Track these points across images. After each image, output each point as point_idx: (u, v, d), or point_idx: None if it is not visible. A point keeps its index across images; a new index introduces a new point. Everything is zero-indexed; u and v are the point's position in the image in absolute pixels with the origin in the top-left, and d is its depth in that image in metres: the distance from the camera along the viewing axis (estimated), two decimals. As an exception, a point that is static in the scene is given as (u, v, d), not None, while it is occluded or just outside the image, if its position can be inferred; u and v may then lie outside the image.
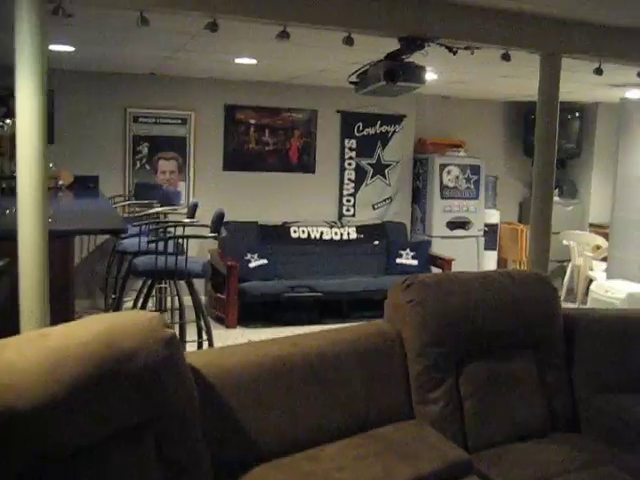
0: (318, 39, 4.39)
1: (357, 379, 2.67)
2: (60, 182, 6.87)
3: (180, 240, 4.81)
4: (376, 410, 2.67)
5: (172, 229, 4.71)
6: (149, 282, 4.39)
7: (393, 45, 3.90)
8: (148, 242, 4.22)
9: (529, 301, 3.04)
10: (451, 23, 3.71)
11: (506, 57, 4.06)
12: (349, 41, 3.62)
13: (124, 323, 2.15)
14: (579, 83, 6.50)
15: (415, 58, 3.86)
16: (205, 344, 4.60)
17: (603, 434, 2.94)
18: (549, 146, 4.18)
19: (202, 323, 4.56)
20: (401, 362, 2.81)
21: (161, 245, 4.31)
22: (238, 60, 5.78)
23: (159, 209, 5.68)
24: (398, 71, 3.68)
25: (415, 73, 3.82)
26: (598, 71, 4.44)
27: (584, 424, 3.03)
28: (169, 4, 3.18)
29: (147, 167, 7.41)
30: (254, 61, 5.81)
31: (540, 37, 3.98)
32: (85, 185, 6.99)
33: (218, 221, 4.38)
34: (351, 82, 4.22)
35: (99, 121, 7.18)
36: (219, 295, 7.01)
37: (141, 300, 4.41)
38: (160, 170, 7.45)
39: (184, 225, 4.67)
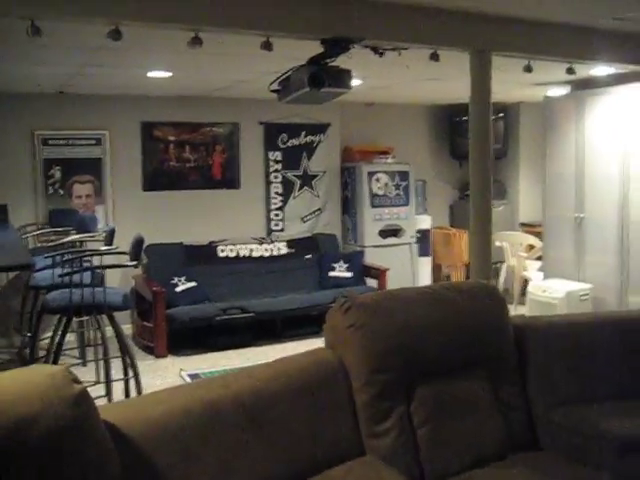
0: (235, 46, 4.12)
1: (298, 418, 2.39)
2: (-36, 213, 6.37)
3: (98, 270, 4.44)
4: (322, 450, 2.40)
5: (88, 259, 4.33)
6: (65, 319, 4.00)
7: (316, 50, 3.66)
8: (60, 275, 3.83)
9: (477, 315, 2.83)
10: (376, 22, 3.49)
11: (435, 57, 3.87)
12: (267, 46, 3.35)
13: (21, 383, 1.82)
14: (504, 83, 6.41)
15: (340, 62, 3.62)
16: (132, 382, 4.23)
17: (565, 450, 2.75)
18: (484, 145, 4.02)
19: (127, 358, 4.19)
20: (346, 393, 2.55)
21: (77, 277, 3.94)
22: (151, 74, 5.45)
23: (74, 237, 5.27)
24: (322, 76, 3.43)
25: (341, 78, 3.58)
26: (528, 69, 4.31)
27: (544, 441, 2.83)
28: (63, 11, 2.84)
29: (61, 192, 6.95)
30: (169, 74, 5.49)
31: (469, 34, 3.82)
32: (-8, 215, 6.51)
33: (137, 247, 4.04)
34: (273, 90, 3.95)
35: (4, 146, 6.69)
36: (146, 323, 6.61)
37: (57, 339, 4.02)
38: (75, 194, 7.01)
39: (101, 254, 4.30)
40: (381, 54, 3.66)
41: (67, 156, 6.92)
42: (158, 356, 6.36)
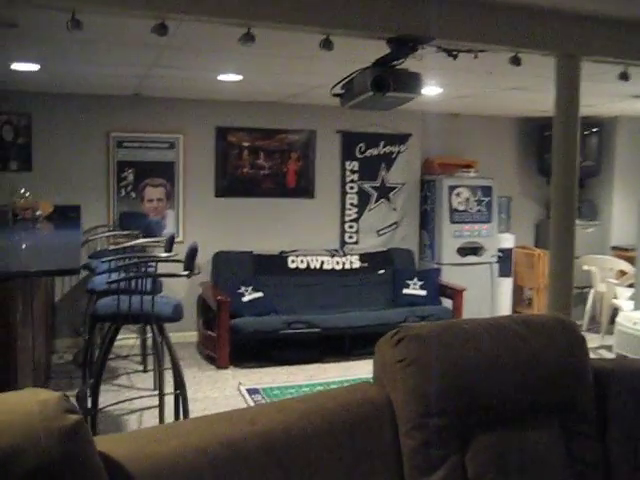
0: (297, 46, 3.88)
1: (334, 463, 2.09)
2: (38, 213, 6.39)
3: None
4: (359, 503, 2.09)
5: (151, 264, 4.16)
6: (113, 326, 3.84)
7: (385, 51, 3.36)
8: (107, 282, 3.68)
9: (550, 354, 2.46)
10: (449, 21, 3.16)
11: (515, 61, 3.50)
12: (327, 44, 3.08)
13: (6, 411, 1.60)
14: (598, 95, 5.94)
15: (409, 64, 3.32)
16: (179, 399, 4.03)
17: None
18: (569, 162, 3.62)
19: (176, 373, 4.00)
20: (391, 437, 2.23)
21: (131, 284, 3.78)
22: (222, 77, 5.28)
23: (138, 241, 5.15)
24: (387, 79, 3.13)
25: (408, 81, 3.26)
26: (623, 76, 3.88)
27: (623, 507, 2.43)
28: (102, 2, 2.65)
29: (133, 195, 6.90)
30: (239, 77, 5.31)
31: (555, 36, 3.43)
32: (65, 215, 6.52)
33: (191, 257, 3.85)
34: (335, 94, 3.67)
35: (80, 147, 6.70)
36: (210, 333, 6.45)
37: (104, 347, 3.86)
38: (147, 198, 6.95)
39: (156, 260, 4.13)
40: (455, 56, 3.33)
41: (140, 159, 6.87)
42: (219, 367, 6.18)
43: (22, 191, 6.38)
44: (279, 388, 5.61)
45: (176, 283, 6.99)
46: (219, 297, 6.22)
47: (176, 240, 6.92)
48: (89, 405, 3.87)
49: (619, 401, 2.55)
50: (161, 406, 4.52)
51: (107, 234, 6.32)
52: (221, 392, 5.56)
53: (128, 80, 5.60)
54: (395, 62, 3.24)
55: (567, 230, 3.85)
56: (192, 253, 3.85)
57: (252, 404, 5.22)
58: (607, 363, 2.73)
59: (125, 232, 6.23)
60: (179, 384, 3.94)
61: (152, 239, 5.17)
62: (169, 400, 4.54)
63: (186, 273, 3.84)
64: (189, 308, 7.12)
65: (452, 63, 3.49)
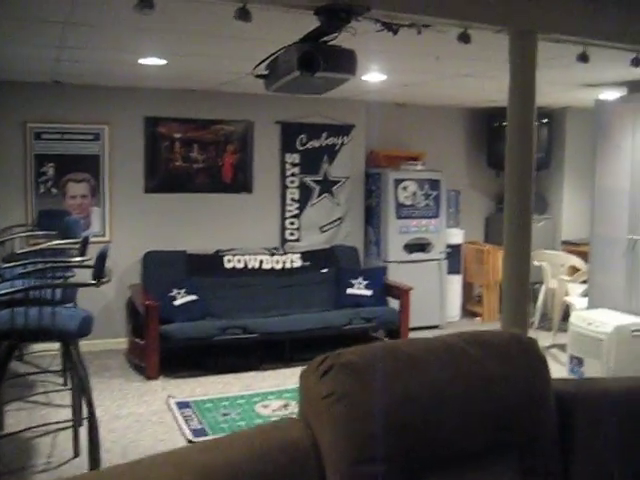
0: (215, 21, 3.43)
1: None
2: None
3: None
4: None
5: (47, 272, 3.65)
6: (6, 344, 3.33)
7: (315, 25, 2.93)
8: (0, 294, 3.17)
9: (508, 380, 2.07)
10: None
11: (464, 38, 3.10)
12: (244, 15, 2.62)
13: None
14: (550, 83, 5.62)
15: (343, 42, 2.89)
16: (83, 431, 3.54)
17: None
18: (525, 152, 3.26)
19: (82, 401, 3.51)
20: (317, 490, 1.82)
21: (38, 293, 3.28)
22: (143, 61, 4.78)
23: (48, 244, 4.62)
24: (316, 57, 2.69)
25: (341, 59, 2.81)
26: (582, 58, 3.52)
27: None
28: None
29: (54, 191, 6.33)
30: (163, 61, 4.81)
31: (509, 9, 3.05)
32: (-24, 214, 5.93)
33: (100, 263, 3.36)
34: (258, 75, 3.22)
35: (-6, 138, 6.11)
36: (138, 340, 5.95)
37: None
38: (69, 194, 6.39)
39: (61, 266, 3.63)
40: (395, 31, 2.91)
41: (62, 152, 6.30)
42: (149, 377, 5.69)
43: None
44: (212, 400, 5.15)
45: (105, 286, 6.45)
46: (147, 302, 5.72)
47: (102, 240, 6.44)
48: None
49: (584, 432, 2.19)
50: (75, 434, 4.04)
51: (22, 235, 5.74)
52: (148, 407, 5.07)
53: (41, 64, 5.06)
54: (326, 38, 2.81)
55: (523, 226, 3.50)
56: (102, 258, 3.36)
57: (181, 419, 4.75)
58: (569, 386, 2.36)
59: (43, 232, 5.70)
60: (89, 409, 3.44)
61: (66, 241, 4.63)
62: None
63: (94, 282, 3.35)
64: (118, 312, 6.61)
65: (395, 45, 3.09)
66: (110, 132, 6.43)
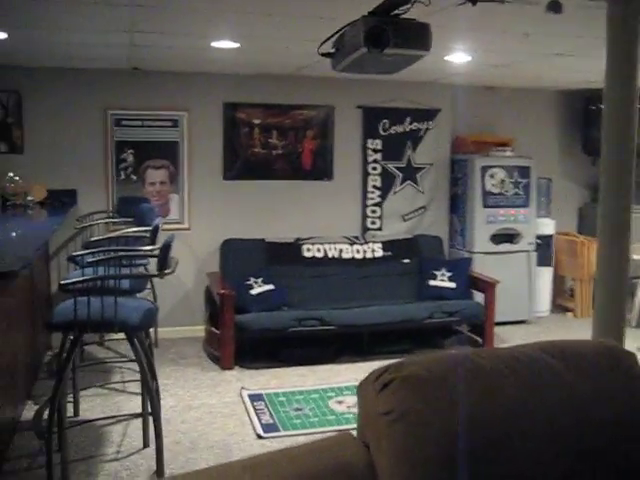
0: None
1: None
2: (29, 198, 5.88)
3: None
4: None
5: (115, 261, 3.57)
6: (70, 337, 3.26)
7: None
8: (60, 285, 3.10)
9: (598, 402, 1.80)
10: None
11: (554, 7, 2.77)
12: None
13: None
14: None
15: (417, 14, 2.63)
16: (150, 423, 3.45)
17: None
18: (624, 135, 2.92)
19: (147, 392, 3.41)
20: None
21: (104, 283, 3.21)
22: (215, 44, 4.64)
23: (119, 232, 4.57)
24: (384, 31, 2.45)
25: (412, 34, 2.54)
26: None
27: None
28: None
29: (134, 177, 6.33)
30: (236, 44, 4.66)
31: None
32: (60, 201, 5.99)
33: (164, 254, 3.24)
34: (324, 54, 2.99)
35: (75, 126, 6.15)
36: (214, 330, 5.88)
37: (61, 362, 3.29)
38: (148, 181, 6.38)
39: (130, 256, 3.54)
40: (474, 2, 2.62)
41: (141, 138, 6.29)
42: (224, 368, 5.61)
43: (11, 175, 5.87)
44: (285, 394, 5.02)
45: (182, 273, 6.45)
46: (222, 290, 5.63)
47: (180, 227, 6.41)
48: (54, 423, 3.30)
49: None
50: (144, 424, 3.98)
51: (100, 222, 5.75)
52: (220, 398, 4.99)
53: (116, 50, 5.01)
54: (396, 11, 2.56)
55: (619, 216, 3.15)
56: (166, 249, 3.24)
57: (252, 413, 4.63)
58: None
59: (121, 219, 5.70)
60: (152, 405, 3.34)
61: (138, 229, 4.58)
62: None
63: (156, 273, 3.24)
64: (197, 300, 6.57)
65: (478, 21, 2.82)
66: (189, 118, 6.37)
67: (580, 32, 3.92)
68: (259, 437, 4.28)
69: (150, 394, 3.31)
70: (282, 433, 4.33)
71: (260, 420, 4.53)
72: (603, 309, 3.21)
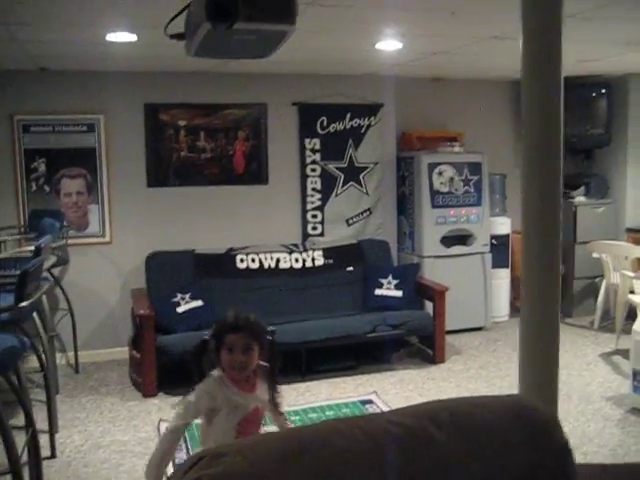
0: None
1: None
2: None
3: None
4: None
5: None
6: None
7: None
8: None
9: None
10: None
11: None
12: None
13: None
14: (600, 43, 4.72)
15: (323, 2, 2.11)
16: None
17: None
18: (550, 123, 2.46)
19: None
20: None
21: None
22: (110, 37, 4.10)
23: (10, 252, 4.03)
24: (231, 0, 1.90)
25: (270, 3, 2.01)
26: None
27: None
28: None
29: (46, 189, 5.77)
30: (133, 37, 4.13)
31: None
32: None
33: (20, 285, 2.69)
34: (173, 35, 2.46)
35: (-22, 134, 5.57)
36: (134, 353, 5.34)
37: None
38: (63, 192, 5.81)
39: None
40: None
41: (53, 146, 5.73)
42: (145, 395, 5.08)
43: None
44: (207, 426, 4.48)
45: (105, 291, 5.93)
46: (141, 310, 5.10)
47: (101, 241, 5.88)
48: None
49: None
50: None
51: (9, 238, 5.20)
52: (135, 433, 4.44)
53: (6, 48, 4.44)
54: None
55: (547, 210, 2.69)
56: (22, 280, 2.69)
57: (168, 452, 4.09)
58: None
59: (33, 234, 5.15)
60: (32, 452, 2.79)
61: (21, 249, 4.03)
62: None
63: (7, 307, 2.69)
64: (122, 320, 6.02)
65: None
66: (106, 122, 5.82)
67: (511, 13, 3.45)
68: (168, 481, 3.75)
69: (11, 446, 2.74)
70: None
71: (174, 460, 3.99)
72: (531, 311, 2.72)
